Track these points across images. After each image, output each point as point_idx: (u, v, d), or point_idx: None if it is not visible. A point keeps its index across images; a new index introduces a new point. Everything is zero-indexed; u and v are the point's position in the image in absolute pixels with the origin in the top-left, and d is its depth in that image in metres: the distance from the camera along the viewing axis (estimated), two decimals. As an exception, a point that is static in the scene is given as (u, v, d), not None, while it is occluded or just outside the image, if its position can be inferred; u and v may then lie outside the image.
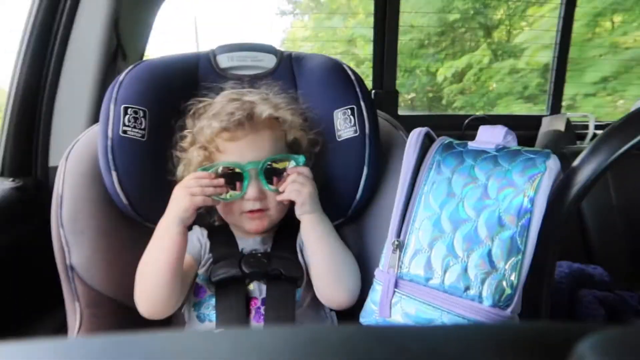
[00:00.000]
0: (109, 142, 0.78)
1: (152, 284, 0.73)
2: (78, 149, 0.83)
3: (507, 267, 0.57)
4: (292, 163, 0.79)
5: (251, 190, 0.77)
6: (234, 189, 0.77)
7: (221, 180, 0.75)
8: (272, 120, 0.79)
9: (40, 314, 1.01)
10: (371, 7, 2.00)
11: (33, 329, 0.98)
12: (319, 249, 0.78)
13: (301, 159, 0.79)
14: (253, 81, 0.88)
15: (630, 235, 1.26)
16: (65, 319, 0.83)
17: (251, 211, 0.79)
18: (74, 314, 0.81)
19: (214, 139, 0.78)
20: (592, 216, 1.29)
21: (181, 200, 0.74)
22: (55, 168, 0.84)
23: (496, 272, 0.58)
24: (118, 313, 0.81)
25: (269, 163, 0.77)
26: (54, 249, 0.79)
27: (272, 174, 0.78)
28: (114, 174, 0.78)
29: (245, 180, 0.76)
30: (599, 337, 0.19)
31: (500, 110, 3.06)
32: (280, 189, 0.78)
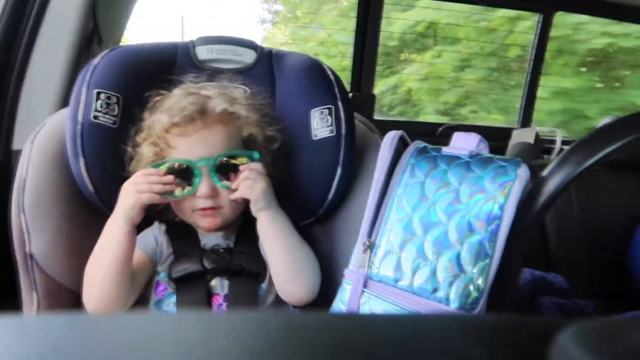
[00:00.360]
0: (79, 127, 0.76)
1: (98, 283, 0.71)
2: (45, 133, 0.80)
3: (474, 270, 0.59)
4: (245, 159, 0.77)
5: (202, 188, 0.75)
6: (189, 185, 0.75)
7: (170, 177, 0.73)
8: (226, 115, 0.77)
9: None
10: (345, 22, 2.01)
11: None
12: (276, 245, 0.77)
13: (255, 154, 0.78)
14: (231, 75, 0.87)
15: (590, 247, 1.31)
16: (20, 310, 0.79)
17: (203, 209, 0.77)
18: (30, 304, 0.78)
19: (164, 135, 0.75)
20: (554, 227, 1.34)
21: (128, 198, 0.72)
22: (18, 152, 0.81)
23: (464, 276, 0.59)
24: (77, 305, 0.79)
25: (223, 159, 0.75)
26: (11, 236, 0.76)
27: (229, 170, 0.76)
28: (81, 160, 0.75)
29: (197, 178, 0.74)
30: (580, 327, 0.19)
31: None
32: (234, 187, 0.76)
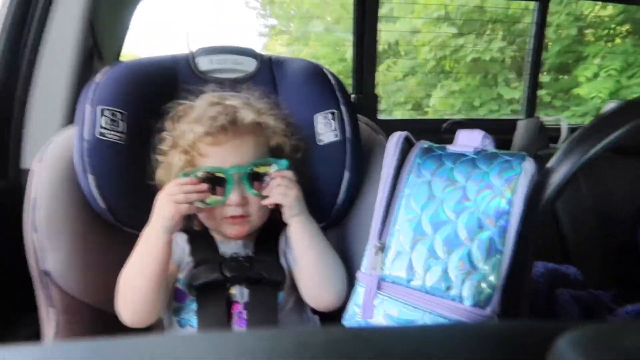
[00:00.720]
0: (85, 145, 0.76)
1: (138, 294, 0.72)
2: (53, 151, 0.81)
3: (486, 267, 0.58)
4: (275, 167, 0.78)
5: (234, 196, 0.75)
6: (214, 194, 0.76)
7: (205, 186, 0.74)
8: (255, 126, 0.79)
9: (12, 322, 0.98)
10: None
11: (5, 337, 0.95)
12: (308, 251, 0.78)
13: (284, 162, 0.79)
14: (233, 85, 0.87)
15: (602, 236, 1.29)
16: (38, 327, 0.80)
17: (233, 217, 0.78)
18: (49, 321, 0.79)
19: (196, 144, 0.76)
20: (566, 218, 1.33)
21: (166, 209, 0.72)
22: (26, 171, 0.82)
23: (476, 273, 0.59)
24: (95, 320, 0.79)
25: (252, 168, 0.77)
26: (26, 254, 0.77)
27: (254, 179, 0.77)
28: (90, 177, 0.76)
29: (229, 185, 0.75)
30: (577, 334, 0.19)
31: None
32: (265, 193, 0.77)
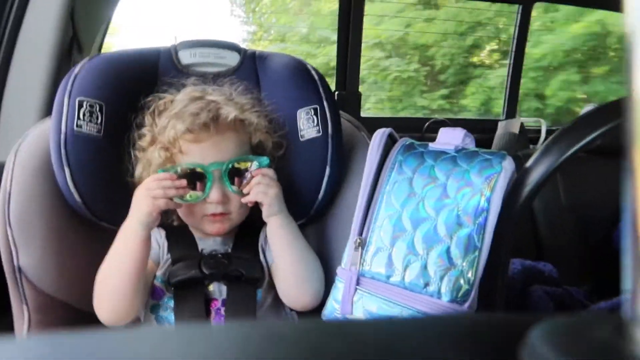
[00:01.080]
0: (62, 137, 0.75)
1: (115, 292, 0.71)
2: (28, 144, 0.79)
3: (464, 264, 0.59)
4: (255, 164, 0.77)
5: (214, 193, 0.75)
6: (194, 190, 0.75)
7: (184, 182, 0.73)
8: (238, 122, 0.78)
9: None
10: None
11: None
12: (286, 251, 0.77)
13: (265, 160, 0.78)
14: (216, 79, 0.86)
15: (578, 235, 1.33)
16: (12, 324, 0.78)
17: (213, 214, 0.77)
18: (21, 319, 0.77)
19: (176, 141, 0.75)
20: (543, 216, 1.36)
21: (143, 204, 0.71)
22: (1, 164, 0.80)
23: (454, 269, 0.59)
24: (70, 318, 0.78)
25: (233, 165, 0.76)
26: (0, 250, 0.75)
27: (235, 176, 0.77)
28: (66, 170, 0.75)
29: (209, 182, 0.74)
30: (548, 325, 0.20)
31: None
32: (245, 191, 0.76)
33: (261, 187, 0.75)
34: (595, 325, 0.20)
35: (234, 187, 0.76)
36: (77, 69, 0.79)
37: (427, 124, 2.10)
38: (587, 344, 0.19)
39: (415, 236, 0.62)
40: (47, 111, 1.01)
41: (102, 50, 1.35)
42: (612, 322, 0.19)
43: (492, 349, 0.21)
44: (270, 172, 0.77)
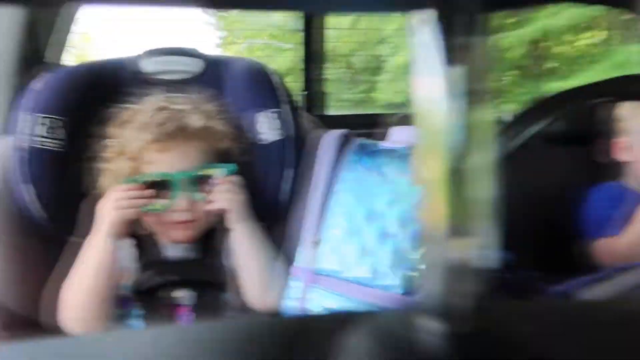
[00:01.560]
0: (24, 154, 0.75)
1: (82, 304, 0.71)
2: None
3: (415, 257, 0.63)
4: (221, 172, 0.78)
5: (181, 201, 0.75)
6: (161, 199, 0.76)
7: (150, 191, 0.73)
8: (204, 131, 0.78)
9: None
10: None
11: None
12: (250, 258, 0.78)
13: (231, 167, 0.79)
14: (181, 86, 0.86)
15: (533, 220, 1.39)
16: None
17: (179, 221, 0.77)
18: None
19: (142, 151, 0.75)
20: (500, 204, 1.41)
21: (110, 216, 0.71)
22: None
23: (406, 262, 0.63)
24: (34, 334, 0.78)
25: (199, 173, 0.76)
26: None
27: (201, 183, 0.77)
28: (30, 187, 0.75)
29: (175, 190, 0.75)
30: (370, 319, 0.22)
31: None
32: (210, 198, 0.77)
33: (227, 195, 0.76)
34: (393, 320, 0.22)
35: (201, 195, 0.77)
36: (37, 84, 0.79)
37: (392, 119, 2.14)
38: (401, 335, 0.20)
39: (368, 232, 0.66)
40: (6, 128, 1.00)
41: (77, 61, 1.32)
42: (403, 316, 0.21)
43: (317, 345, 0.22)
44: (236, 179, 0.79)
